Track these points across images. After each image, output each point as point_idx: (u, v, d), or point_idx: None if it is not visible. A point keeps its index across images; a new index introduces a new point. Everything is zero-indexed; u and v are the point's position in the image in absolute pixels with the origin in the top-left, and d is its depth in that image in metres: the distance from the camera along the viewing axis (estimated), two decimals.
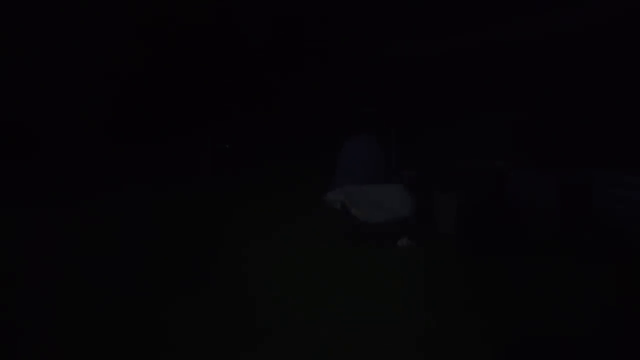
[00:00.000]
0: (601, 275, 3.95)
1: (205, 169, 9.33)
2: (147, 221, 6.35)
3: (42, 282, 4.20)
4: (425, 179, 5.55)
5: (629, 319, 3.18)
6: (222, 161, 9.44)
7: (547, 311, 3.33)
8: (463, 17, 8.19)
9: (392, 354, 2.83)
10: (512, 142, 6.68)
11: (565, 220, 5.49)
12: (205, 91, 10.55)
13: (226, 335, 3.11)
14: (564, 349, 2.81)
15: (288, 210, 6.67)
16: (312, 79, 10.57)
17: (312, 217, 5.91)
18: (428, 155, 6.64)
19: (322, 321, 3.26)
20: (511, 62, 7.39)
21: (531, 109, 6.84)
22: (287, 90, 10.62)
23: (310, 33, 10.76)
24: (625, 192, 5.29)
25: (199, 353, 2.89)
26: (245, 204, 7.22)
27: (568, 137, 6.23)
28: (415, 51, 9.19)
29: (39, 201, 7.35)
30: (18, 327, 3.27)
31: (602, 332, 2.99)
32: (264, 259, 4.68)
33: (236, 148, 9.97)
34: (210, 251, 5.00)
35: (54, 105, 9.83)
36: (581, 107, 6.18)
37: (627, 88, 5.77)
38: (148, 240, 5.38)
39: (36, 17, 9.76)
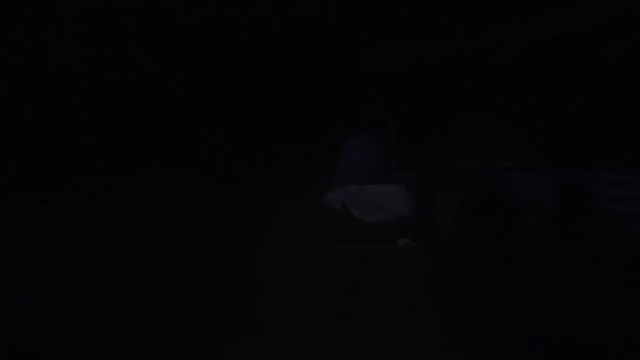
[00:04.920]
0: (601, 275, 3.95)
1: (206, 168, 9.32)
2: (151, 223, 6.34)
3: (45, 283, 4.19)
4: (425, 179, 5.55)
5: (630, 319, 3.17)
6: (222, 161, 9.43)
7: (546, 310, 3.33)
8: (463, 19, 8.18)
9: (392, 353, 2.83)
10: (512, 142, 6.68)
11: (565, 220, 5.49)
12: (206, 92, 10.54)
13: (230, 332, 3.11)
14: (564, 349, 2.81)
15: (288, 210, 6.66)
16: (312, 80, 10.56)
17: (312, 217, 5.91)
18: (428, 155, 6.64)
19: (322, 321, 3.25)
20: (511, 63, 7.39)
21: (531, 109, 6.83)
22: (287, 90, 10.61)
23: (311, 34, 10.76)
24: (625, 192, 5.28)
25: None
26: (245, 204, 7.21)
27: (568, 137, 6.23)
28: (415, 52, 9.18)
29: (41, 201, 7.35)
30: (23, 325, 3.28)
31: (602, 331, 2.98)
32: (265, 260, 4.67)
33: (235, 148, 9.97)
34: (209, 251, 5.00)
35: (55, 107, 9.83)
36: (581, 108, 6.17)
37: (628, 89, 5.76)
38: (154, 242, 5.37)
39: (36, 18, 9.77)
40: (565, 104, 6.40)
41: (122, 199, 7.70)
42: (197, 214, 6.78)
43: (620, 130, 5.72)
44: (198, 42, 10.52)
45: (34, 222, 6.40)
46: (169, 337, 3.10)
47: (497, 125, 7.08)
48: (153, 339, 3.08)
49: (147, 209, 7.03)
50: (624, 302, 3.43)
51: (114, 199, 7.64)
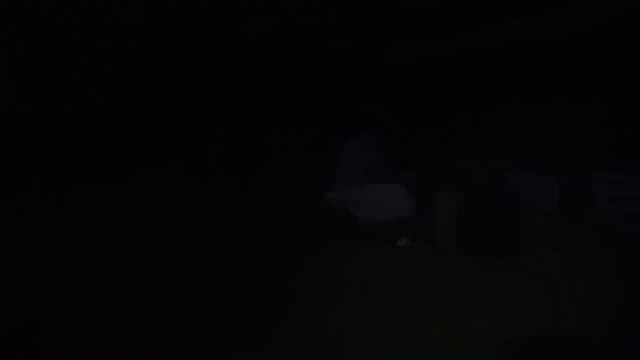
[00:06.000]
0: (601, 276, 3.96)
1: (206, 169, 9.33)
2: (152, 223, 6.34)
3: (46, 283, 4.20)
4: (425, 179, 5.55)
5: (629, 319, 3.18)
6: (222, 161, 9.45)
7: (546, 311, 3.34)
8: (462, 19, 8.19)
9: (391, 353, 2.84)
10: (512, 142, 6.68)
11: (565, 220, 5.50)
12: (206, 92, 10.55)
13: (228, 331, 3.11)
14: (564, 349, 2.81)
15: (288, 210, 6.67)
16: (312, 80, 10.57)
17: (312, 218, 5.91)
18: (428, 155, 6.65)
19: (321, 322, 3.26)
20: (511, 63, 7.40)
21: (531, 109, 6.84)
22: (287, 90, 10.62)
23: (311, 33, 10.77)
24: (625, 192, 5.30)
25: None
26: (245, 204, 7.22)
27: (568, 137, 6.24)
28: (415, 51, 9.20)
29: (41, 202, 7.35)
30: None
31: (602, 332, 2.99)
32: (264, 260, 4.68)
33: (235, 149, 9.98)
34: (207, 251, 5.00)
35: (56, 107, 9.83)
36: (581, 107, 6.18)
37: (627, 89, 5.78)
38: (155, 242, 5.38)
39: (35, 17, 9.76)
40: (564, 103, 6.42)
41: (122, 199, 7.71)
42: (198, 214, 6.79)
43: (620, 131, 5.74)
44: (199, 42, 10.53)
45: (33, 223, 6.40)
46: (172, 339, 3.11)
47: (496, 125, 7.09)
48: (155, 341, 3.09)
49: (148, 209, 7.04)
50: (624, 302, 3.44)
51: (114, 199, 7.65)
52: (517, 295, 3.62)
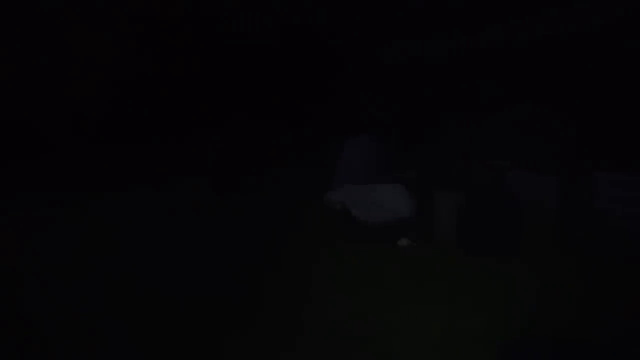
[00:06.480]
0: (601, 276, 3.96)
1: (206, 169, 9.33)
2: (152, 223, 6.34)
3: (47, 284, 4.20)
4: (425, 179, 5.55)
5: (629, 319, 3.18)
6: (222, 161, 9.44)
7: (546, 311, 3.34)
8: (462, 19, 8.19)
9: (391, 353, 2.84)
10: (512, 142, 6.68)
11: (565, 220, 5.50)
12: (206, 92, 10.54)
13: (228, 330, 3.11)
14: (563, 350, 2.81)
15: (287, 210, 6.67)
16: (311, 80, 10.56)
17: (312, 218, 5.92)
18: (428, 155, 6.64)
19: (321, 322, 3.26)
20: (511, 62, 7.40)
21: (531, 109, 6.84)
22: (286, 90, 10.62)
23: (310, 33, 10.76)
24: (625, 192, 5.30)
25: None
26: (244, 204, 7.21)
27: (568, 137, 6.24)
28: (415, 51, 9.19)
29: (41, 202, 7.35)
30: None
31: (602, 332, 2.99)
32: (263, 260, 4.68)
33: (235, 148, 9.98)
34: (206, 251, 5.00)
35: (54, 106, 9.83)
36: (581, 107, 6.18)
37: (627, 89, 5.78)
38: (155, 242, 5.38)
39: (35, 16, 9.76)
40: (564, 103, 6.42)
41: (122, 199, 7.71)
42: (197, 214, 6.78)
43: (620, 130, 5.74)
44: (199, 42, 10.53)
45: (33, 223, 6.39)
46: (171, 337, 3.11)
47: (496, 125, 7.08)
48: (155, 339, 3.09)
49: (148, 209, 7.03)
50: (624, 302, 3.44)
51: (114, 199, 7.65)
52: (517, 295, 3.62)
